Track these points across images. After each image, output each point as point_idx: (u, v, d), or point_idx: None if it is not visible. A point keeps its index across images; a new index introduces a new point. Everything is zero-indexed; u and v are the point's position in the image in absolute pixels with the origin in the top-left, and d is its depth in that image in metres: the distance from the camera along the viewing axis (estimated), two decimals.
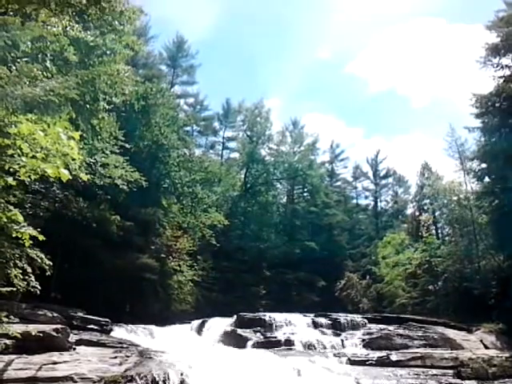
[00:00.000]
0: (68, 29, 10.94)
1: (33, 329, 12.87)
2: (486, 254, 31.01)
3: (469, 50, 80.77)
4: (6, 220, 8.67)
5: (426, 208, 43.53)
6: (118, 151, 23.10)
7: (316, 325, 23.62)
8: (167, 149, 30.89)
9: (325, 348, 20.30)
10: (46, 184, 19.60)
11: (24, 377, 11.06)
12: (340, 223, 57.49)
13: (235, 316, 23.87)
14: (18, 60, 8.43)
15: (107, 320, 19.72)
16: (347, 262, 54.19)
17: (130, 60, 14.03)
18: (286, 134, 56.57)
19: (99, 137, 17.01)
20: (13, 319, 11.76)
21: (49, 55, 10.30)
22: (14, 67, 8.04)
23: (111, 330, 19.67)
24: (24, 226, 8.70)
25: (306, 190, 58.80)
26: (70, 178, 7.25)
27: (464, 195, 34.33)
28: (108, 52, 12.11)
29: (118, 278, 23.95)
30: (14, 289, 11.33)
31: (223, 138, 59.09)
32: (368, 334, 21.85)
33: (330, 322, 23.88)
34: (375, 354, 18.05)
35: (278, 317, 23.79)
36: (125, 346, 16.46)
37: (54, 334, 13.85)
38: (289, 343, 20.62)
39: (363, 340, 21.12)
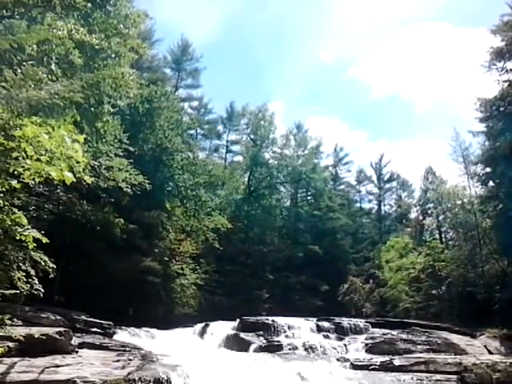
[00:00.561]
0: (73, 32, 10.99)
1: (36, 332, 12.88)
2: (489, 259, 30.89)
3: (473, 53, 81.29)
4: (10, 223, 8.68)
5: (429, 212, 43.43)
6: (122, 154, 23.14)
7: (319, 329, 23.56)
8: (171, 152, 30.93)
9: (328, 352, 20.24)
10: (50, 187, 19.64)
11: (26, 380, 11.04)
12: (343, 227, 57.40)
13: (238, 320, 23.83)
14: (24, 63, 8.46)
15: (110, 323, 19.71)
16: (350, 266, 54.09)
17: (134, 63, 14.07)
18: (289, 137, 56.61)
19: (103, 140, 17.05)
20: (16, 322, 11.77)
21: (54, 58, 10.33)
22: (19, 70, 8.07)
23: (114, 333, 19.67)
24: (28, 229, 8.72)
25: (309, 193, 58.78)
26: (74, 180, 7.25)
27: (468, 199, 34.26)
28: (113, 55, 12.13)
29: (121, 281, 23.95)
30: (18, 291, 11.33)
31: (227, 141, 59.22)
32: (371, 338, 21.78)
33: (333, 326, 23.82)
34: (378, 359, 17.97)
35: (280, 321, 23.74)
36: (127, 349, 16.46)
37: (57, 336, 13.85)
38: (292, 347, 20.56)
39: (366, 344, 21.05)
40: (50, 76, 9.20)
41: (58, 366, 12.22)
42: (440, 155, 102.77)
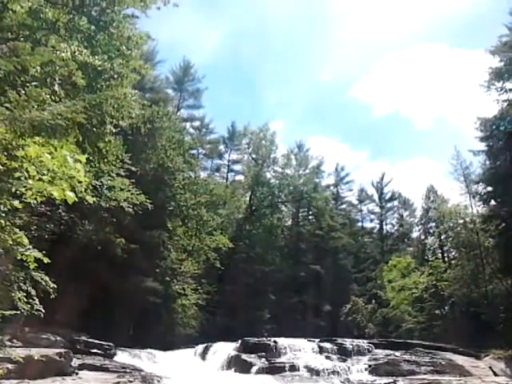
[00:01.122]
0: (76, 54, 11.12)
1: (35, 353, 12.75)
2: (493, 278, 30.70)
3: (469, 73, 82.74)
4: (11, 242, 8.67)
5: (431, 231, 43.33)
6: (123, 174, 23.21)
7: (321, 350, 23.32)
8: (173, 171, 31.01)
9: (330, 374, 20.00)
10: (52, 206, 19.66)
11: None
12: (345, 246, 57.21)
13: (240, 341, 23.62)
14: (27, 84, 8.54)
15: (110, 344, 19.56)
16: (352, 286, 53.74)
17: (137, 84, 14.21)
18: (290, 156, 56.72)
19: (105, 160, 17.09)
20: (15, 343, 11.68)
21: (57, 79, 10.43)
22: (23, 91, 8.14)
23: (114, 354, 19.49)
24: (29, 249, 8.70)
25: (311, 212, 58.71)
26: (76, 200, 7.27)
27: (470, 218, 34.19)
28: (115, 76, 12.24)
29: (122, 301, 23.81)
30: (18, 312, 11.26)
31: (228, 160, 59.38)
32: (374, 359, 21.55)
33: (335, 347, 23.59)
34: (382, 380, 17.77)
35: (283, 342, 23.53)
36: (128, 370, 16.30)
37: (57, 358, 13.73)
38: (294, 369, 20.35)
39: (369, 366, 20.82)
40: (53, 97, 9.28)
41: None
42: (441, 174, 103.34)
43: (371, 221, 67.78)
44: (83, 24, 11.65)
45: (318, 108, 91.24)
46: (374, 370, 20.26)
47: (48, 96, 8.61)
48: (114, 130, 12.22)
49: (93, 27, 11.84)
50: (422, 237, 45.30)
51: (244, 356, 21.76)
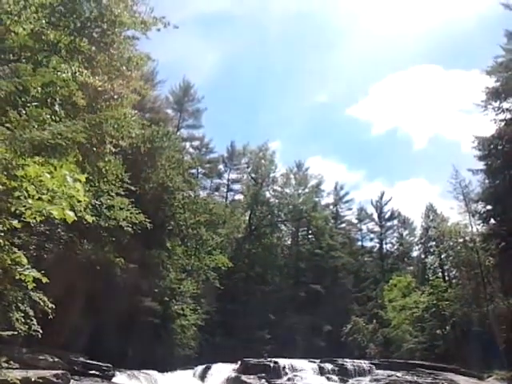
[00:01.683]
0: (77, 74, 11.24)
1: (33, 375, 12.60)
2: (494, 298, 30.53)
3: (466, 93, 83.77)
4: (9, 262, 8.64)
5: (431, 250, 43.20)
6: (123, 193, 23.22)
7: (322, 371, 23.07)
8: (172, 191, 31.04)
9: None
10: (51, 226, 19.62)
11: None
12: (345, 266, 56.98)
13: (239, 362, 23.39)
14: (28, 104, 8.62)
15: (109, 365, 19.34)
16: (353, 306, 53.36)
17: (137, 104, 14.33)
18: (290, 176, 56.93)
19: (105, 179, 17.15)
20: (12, 364, 11.52)
21: (58, 100, 10.52)
22: (23, 111, 8.22)
23: (113, 375, 19.27)
24: (28, 269, 8.66)
25: (310, 232, 58.63)
26: (75, 219, 7.28)
27: (470, 237, 34.17)
28: (116, 96, 12.35)
29: (121, 321, 23.61)
30: (15, 333, 11.17)
31: (228, 180, 59.53)
32: (375, 380, 21.31)
33: (336, 367, 23.35)
34: None
35: (283, 362, 23.29)
36: None
37: (54, 380, 13.58)
38: None
39: None
40: (53, 117, 9.35)
41: None
42: (439, 194, 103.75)
43: (371, 240, 67.70)
44: (84, 45, 11.79)
45: (316, 128, 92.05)
46: None
47: (48, 116, 8.68)
48: (113, 150, 12.29)
49: (94, 48, 11.98)
50: (422, 256, 45.19)
51: (244, 377, 21.52)
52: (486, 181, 30.55)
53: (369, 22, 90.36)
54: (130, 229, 23.05)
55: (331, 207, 65.75)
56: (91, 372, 18.24)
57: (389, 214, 65.82)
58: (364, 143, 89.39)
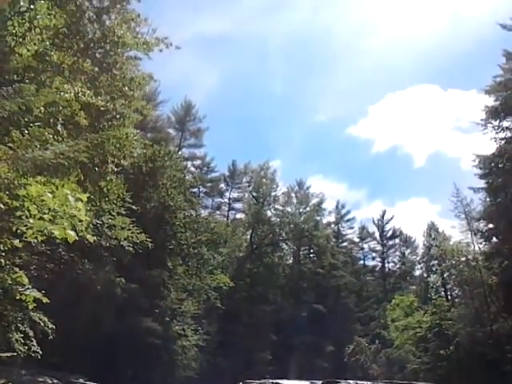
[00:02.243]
0: (80, 94, 11.34)
1: None
2: (498, 317, 30.19)
3: (463, 112, 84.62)
4: (10, 282, 8.61)
5: (434, 269, 42.91)
6: (124, 212, 23.19)
7: None
8: (174, 210, 31.04)
9: None
10: (52, 245, 19.57)
11: None
12: (347, 285, 56.63)
13: (241, 383, 23.07)
14: (31, 124, 8.69)
15: None
16: (355, 326, 52.90)
17: (138, 124, 14.42)
18: (291, 194, 56.92)
19: (106, 198, 17.16)
20: None
21: (60, 119, 10.61)
22: (26, 131, 8.27)
23: None
24: (28, 288, 8.62)
25: (312, 250, 58.38)
26: (77, 239, 7.28)
27: (472, 256, 33.95)
28: (118, 116, 12.43)
29: (121, 341, 23.39)
30: (15, 354, 11.06)
31: (229, 198, 59.55)
32: None
33: None
34: None
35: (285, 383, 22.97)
36: None
37: None
38: None
39: None
40: (55, 136, 9.41)
41: None
42: (439, 213, 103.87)
43: (373, 259, 67.42)
44: (87, 66, 11.92)
45: (316, 147, 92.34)
46: None
47: (51, 136, 8.74)
48: (115, 169, 12.33)
49: (96, 69, 12.11)
50: (425, 275, 44.82)
51: None
52: (488, 199, 30.51)
53: (367, 43, 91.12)
54: (131, 248, 22.97)
55: (333, 226, 65.62)
56: None
57: (390, 232, 65.73)
58: (364, 162, 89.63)
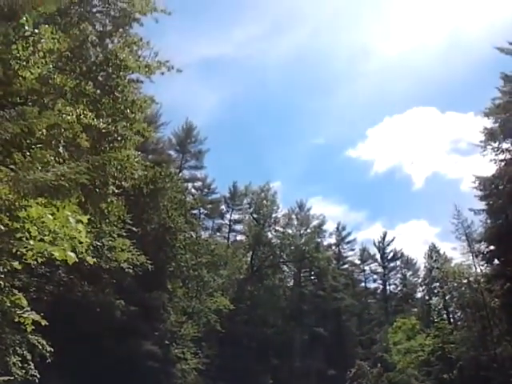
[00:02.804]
0: (82, 117, 11.44)
1: None
2: (501, 341, 29.90)
3: (462, 134, 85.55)
4: (9, 304, 8.55)
5: (435, 291, 42.63)
6: (125, 234, 23.17)
7: None
8: (174, 232, 30.96)
9: None
10: (52, 267, 19.50)
11: None
12: (348, 308, 56.19)
13: None
14: (33, 146, 8.74)
15: None
16: (357, 349, 52.31)
17: (140, 146, 14.49)
18: (292, 216, 56.85)
19: (107, 220, 17.16)
20: None
21: (62, 141, 10.66)
22: (28, 153, 8.32)
23: None
24: (27, 311, 8.56)
25: (313, 273, 58.11)
26: (77, 261, 7.26)
27: (474, 278, 33.78)
28: (119, 138, 12.49)
29: (120, 364, 23.08)
30: (12, 378, 10.91)
31: (230, 220, 59.48)
32: None
33: None
34: None
35: None
36: None
37: None
38: None
39: None
40: (57, 158, 9.46)
41: None
42: (439, 233, 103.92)
43: (374, 281, 67.06)
44: (89, 88, 12.04)
45: (316, 169, 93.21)
46: None
47: (52, 157, 8.78)
48: (116, 191, 12.34)
49: (98, 91, 12.22)
50: (427, 297, 44.54)
51: None
52: (488, 221, 30.47)
53: (365, 66, 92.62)
54: (131, 270, 22.88)
55: (333, 248, 65.39)
56: None
57: (391, 254, 65.45)
58: (364, 184, 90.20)
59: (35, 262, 8.05)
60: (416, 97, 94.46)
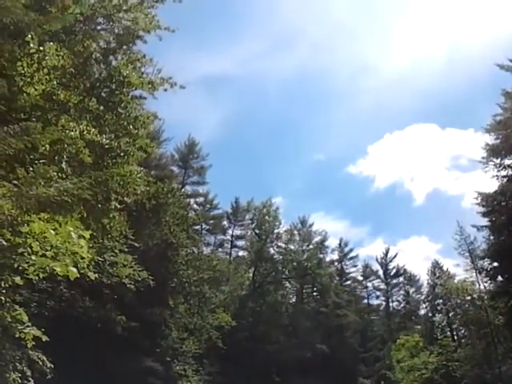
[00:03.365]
0: (85, 132, 11.51)
1: None
2: (506, 358, 29.57)
3: (461, 151, 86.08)
4: (10, 320, 8.53)
5: (439, 308, 42.31)
6: (126, 250, 23.16)
7: None
8: (176, 247, 30.91)
9: None
10: (53, 283, 19.46)
11: None
12: (351, 324, 55.70)
13: None
14: (36, 162, 8.79)
15: None
16: (360, 367, 51.76)
17: (142, 161, 14.54)
18: (294, 232, 56.69)
19: (109, 235, 17.15)
20: None
21: (65, 157, 10.73)
22: (31, 168, 8.36)
23: None
24: (28, 326, 8.54)
25: (315, 289, 57.78)
26: (78, 276, 7.26)
27: (478, 295, 33.57)
28: (122, 154, 12.54)
29: (121, 381, 22.88)
30: None
31: (232, 236, 59.43)
32: None
33: None
34: None
35: None
36: None
37: None
38: None
39: None
40: (60, 174, 9.50)
41: None
42: (440, 249, 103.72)
43: (377, 297, 66.64)
44: (93, 104, 12.13)
45: (317, 185, 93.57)
46: None
47: (55, 173, 8.82)
48: (118, 206, 12.36)
49: (102, 107, 12.31)
50: (430, 314, 44.18)
51: None
52: (491, 237, 30.37)
53: (366, 83, 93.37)
54: (132, 286, 22.82)
55: (336, 264, 65.10)
56: None
57: (394, 271, 65.06)
58: (365, 200, 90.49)
59: (37, 278, 8.05)
60: (416, 113, 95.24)
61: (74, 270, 7.18)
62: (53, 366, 11.77)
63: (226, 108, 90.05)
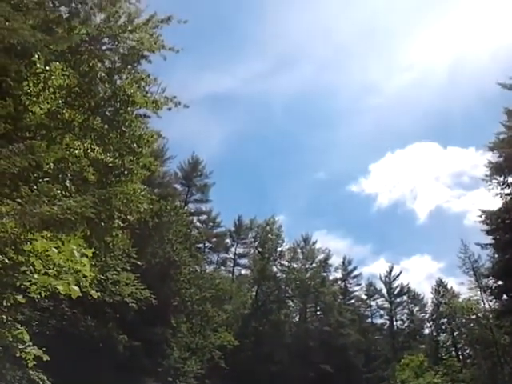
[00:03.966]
0: (89, 151, 11.58)
1: None
2: None
3: (463, 169, 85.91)
4: (11, 339, 8.45)
5: (443, 327, 41.89)
6: (129, 268, 23.10)
7: None
8: (178, 265, 30.81)
9: None
10: (55, 301, 19.37)
11: None
12: (355, 343, 55.04)
13: None
14: (40, 180, 8.83)
15: None
16: None
17: (146, 179, 14.59)
18: (297, 250, 56.42)
19: (112, 254, 17.15)
20: None
21: (69, 175, 10.78)
22: (35, 187, 8.39)
23: None
24: (29, 346, 8.46)
25: (318, 308, 57.25)
26: (80, 295, 7.23)
27: (482, 314, 33.25)
28: (126, 172, 12.60)
29: None
30: None
31: (235, 254, 59.15)
32: None
33: None
34: None
35: None
36: None
37: None
38: None
39: None
40: (63, 192, 9.53)
41: None
42: (443, 268, 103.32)
43: (381, 316, 65.90)
44: (97, 123, 12.23)
45: (319, 203, 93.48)
46: None
47: (59, 191, 8.85)
48: (121, 224, 12.36)
49: (106, 126, 12.40)
50: (434, 333, 43.77)
51: None
52: (496, 255, 30.20)
53: (368, 102, 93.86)
54: (134, 305, 22.69)
55: (339, 282, 64.55)
56: None
57: (398, 289, 64.49)
58: (367, 219, 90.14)
59: (39, 296, 8.01)
60: (417, 132, 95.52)
61: (76, 288, 7.16)
62: None
63: (230, 126, 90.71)
